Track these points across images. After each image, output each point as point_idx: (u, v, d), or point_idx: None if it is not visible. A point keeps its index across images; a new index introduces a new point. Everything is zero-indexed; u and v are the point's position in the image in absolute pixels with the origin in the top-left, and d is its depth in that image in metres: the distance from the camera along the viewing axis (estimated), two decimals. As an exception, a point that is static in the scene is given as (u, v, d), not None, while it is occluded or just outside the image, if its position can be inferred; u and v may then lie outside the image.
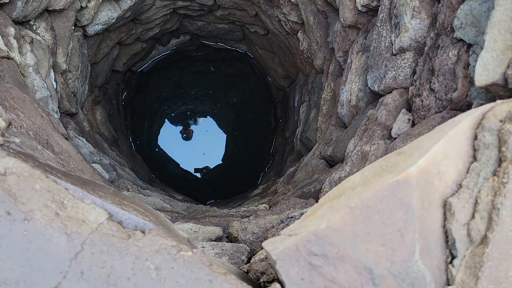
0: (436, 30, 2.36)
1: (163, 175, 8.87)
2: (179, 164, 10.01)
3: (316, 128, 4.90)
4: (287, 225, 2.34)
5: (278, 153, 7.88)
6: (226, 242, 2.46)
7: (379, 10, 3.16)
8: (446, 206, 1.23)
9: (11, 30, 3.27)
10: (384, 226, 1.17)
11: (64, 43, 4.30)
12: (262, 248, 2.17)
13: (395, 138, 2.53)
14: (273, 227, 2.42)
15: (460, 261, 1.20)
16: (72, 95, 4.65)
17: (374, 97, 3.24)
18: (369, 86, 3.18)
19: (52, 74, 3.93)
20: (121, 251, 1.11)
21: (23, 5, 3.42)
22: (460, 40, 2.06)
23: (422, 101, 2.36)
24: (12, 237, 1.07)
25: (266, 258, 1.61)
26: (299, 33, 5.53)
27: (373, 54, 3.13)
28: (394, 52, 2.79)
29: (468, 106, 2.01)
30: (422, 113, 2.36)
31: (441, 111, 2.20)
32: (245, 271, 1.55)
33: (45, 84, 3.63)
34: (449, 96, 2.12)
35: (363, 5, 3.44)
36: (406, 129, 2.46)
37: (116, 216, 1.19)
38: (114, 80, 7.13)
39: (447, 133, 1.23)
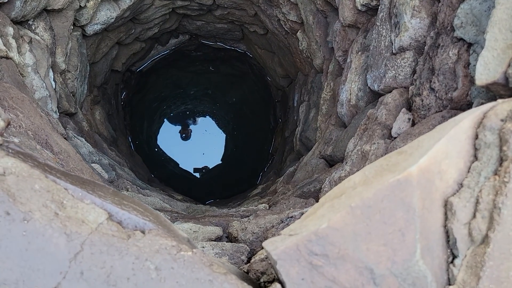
0: (436, 29, 2.35)
1: (162, 175, 8.86)
2: (178, 164, 10.00)
3: (316, 128, 4.89)
4: (287, 224, 2.34)
5: (278, 153, 7.87)
6: (226, 242, 2.46)
7: (378, 9, 3.15)
8: (447, 206, 1.22)
9: (10, 30, 3.26)
10: (385, 226, 1.16)
11: (63, 43, 4.29)
12: (262, 248, 2.17)
13: (395, 138, 2.52)
14: (273, 226, 2.41)
15: (461, 261, 1.20)
16: (71, 95, 4.64)
17: (374, 96, 3.24)
18: (369, 85, 3.17)
19: (51, 74, 3.92)
20: (121, 251, 1.11)
21: (21, 4, 3.41)
22: (461, 39, 2.06)
23: (422, 101, 2.35)
24: (11, 237, 1.07)
25: (266, 258, 1.61)
26: (298, 32, 5.53)
27: (373, 54, 3.13)
28: (394, 51, 2.79)
29: (469, 106, 2.01)
30: (422, 112, 2.35)
31: (441, 111, 2.20)
32: (245, 271, 1.54)
33: (44, 84, 3.62)
34: (449, 95, 2.12)
35: (363, 4, 3.43)
36: (406, 129, 2.46)
37: (115, 216, 1.19)
38: (113, 80, 7.12)
39: (448, 132, 1.23)
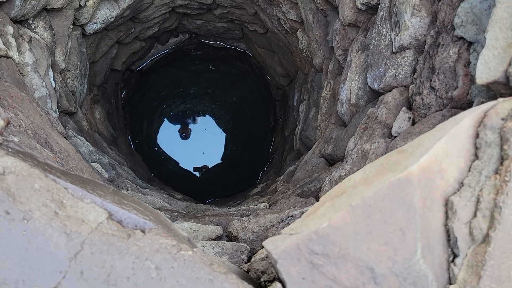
0: (436, 28, 2.35)
1: (162, 174, 8.86)
2: (178, 163, 10.00)
3: (316, 127, 4.89)
4: (288, 224, 2.34)
5: (278, 152, 7.87)
6: (226, 241, 2.46)
7: (379, 8, 3.15)
8: (448, 205, 1.22)
9: (10, 29, 3.25)
10: (385, 225, 1.16)
11: (62, 42, 4.28)
12: (262, 247, 2.17)
13: (395, 137, 2.52)
14: (273, 226, 2.41)
15: (462, 260, 1.19)
16: (71, 94, 4.63)
17: (374, 95, 3.23)
18: (369, 84, 3.17)
19: (50, 73, 3.91)
20: (121, 251, 1.10)
21: (21, 3, 3.40)
22: (461, 38, 2.06)
23: (422, 100, 2.35)
24: (11, 236, 1.07)
25: (266, 257, 1.60)
26: (298, 31, 5.52)
27: (373, 53, 3.13)
28: (394, 50, 2.78)
29: (469, 105, 2.01)
30: (422, 111, 2.35)
31: (441, 110, 2.19)
32: (246, 270, 1.54)
33: (43, 83, 3.62)
34: (449, 94, 2.12)
35: (363, 3, 3.43)
36: (406, 128, 2.45)
37: (116, 215, 1.18)
38: (113, 79, 7.12)
39: (448, 131, 1.23)
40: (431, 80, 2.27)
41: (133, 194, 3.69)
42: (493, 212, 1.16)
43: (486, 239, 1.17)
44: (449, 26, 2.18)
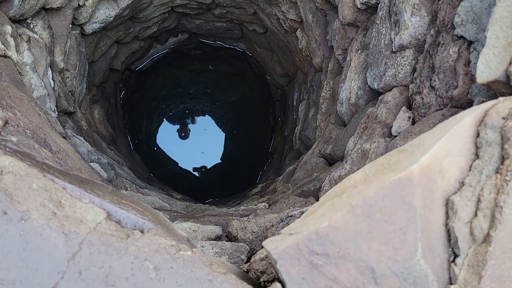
0: (436, 27, 2.34)
1: (161, 174, 8.86)
2: (177, 163, 9.99)
3: (315, 127, 4.88)
4: (287, 224, 2.33)
5: (277, 152, 7.86)
6: (226, 241, 2.45)
7: (378, 7, 3.14)
8: (448, 204, 1.21)
9: (8, 28, 3.24)
10: (386, 225, 1.16)
11: (61, 41, 4.27)
12: (262, 247, 2.16)
13: (395, 136, 2.51)
14: (273, 226, 2.40)
15: (463, 260, 1.19)
16: (70, 93, 4.62)
17: (374, 95, 3.23)
18: (368, 84, 3.16)
19: (49, 72, 3.90)
20: (119, 251, 1.10)
21: (20, 3, 3.39)
22: (461, 37, 2.05)
23: (422, 99, 2.34)
24: (9, 237, 1.06)
25: (266, 257, 1.60)
26: (297, 31, 5.51)
27: (373, 52, 3.12)
28: (394, 49, 2.78)
29: (469, 104, 2.00)
30: (422, 110, 2.35)
31: (441, 109, 2.19)
32: (245, 270, 1.53)
33: (42, 83, 3.61)
34: (449, 93, 2.11)
35: (362, 3, 3.42)
36: (406, 127, 2.45)
37: (114, 215, 1.18)
38: (112, 79, 7.11)
39: (449, 131, 1.22)
40: (431, 80, 2.27)
41: (132, 194, 3.68)
42: (494, 211, 1.16)
43: (487, 238, 1.16)
44: (449, 25, 2.17)
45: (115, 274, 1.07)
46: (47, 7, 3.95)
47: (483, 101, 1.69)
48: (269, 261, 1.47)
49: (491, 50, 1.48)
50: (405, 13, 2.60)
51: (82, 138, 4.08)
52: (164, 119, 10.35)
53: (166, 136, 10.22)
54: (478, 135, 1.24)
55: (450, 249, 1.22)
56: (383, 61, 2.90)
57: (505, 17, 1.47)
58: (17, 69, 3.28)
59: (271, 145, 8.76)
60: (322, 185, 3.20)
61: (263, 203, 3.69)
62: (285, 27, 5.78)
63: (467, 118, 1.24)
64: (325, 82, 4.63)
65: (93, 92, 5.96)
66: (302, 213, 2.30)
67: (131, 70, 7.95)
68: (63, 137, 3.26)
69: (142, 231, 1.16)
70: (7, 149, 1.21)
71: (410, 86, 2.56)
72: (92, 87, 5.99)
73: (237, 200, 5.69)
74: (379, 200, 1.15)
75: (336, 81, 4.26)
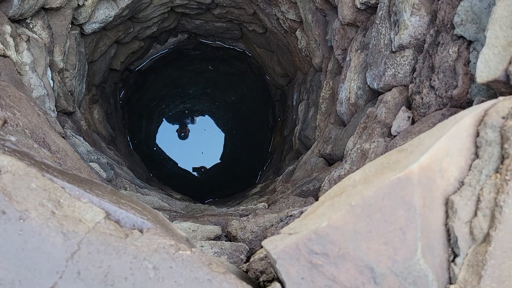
0: (436, 27, 2.34)
1: (161, 174, 8.85)
2: (177, 163, 9.98)
3: (315, 127, 4.88)
4: (287, 223, 2.33)
5: (277, 152, 7.86)
6: (225, 241, 2.45)
7: (378, 7, 3.14)
8: (448, 204, 1.21)
9: (7, 28, 3.24)
10: (385, 224, 1.15)
11: (61, 41, 4.27)
12: (261, 247, 2.16)
13: (395, 136, 2.51)
14: (272, 225, 2.40)
15: (463, 260, 1.19)
16: (69, 93, 4.62)
17: (373, 95, 3.23)
18: (368, 84, 3.16)
19: (49, 72, 3.90)
20: (118, 251, 1.09)
21: (19, 3, 3.39)
22: (461, 37, 2.05)
23: (422, 99, 2.34)
24: (7, 236, 1.05)
25: (265, 257, 1.60)
26: (297, 31, 5.51)
27: (372, 52, 3.12)
28: (393, 49, 2.78)
29: (469, 103, 2.00)
30: (422, 110, 2.34)
31: (441, 109, 2.19)
32: (245, 270, 1.53)
33: (41, 83, 3.61)
34: (449, 93, 2.11)
35: (362, 3, 3.42)
36: (406, 127, 2.45)
37: (113, 215, 1.17)
38: (111, 79, 7.10)
39: (449, 130, 1.22)
40: (430, 79, 2.27)
41: (132, 194, 3.68)
42: (493, 211, 1.16)
43: (486, 238, 1.16)
44: (448, 25, 2.17)
45: (114, 273, 1.07)
46: (47, 7, 3.95)
47: (482, 101, 1.69)
48: (269, 260, 1.46)
49: (490, 50, 1.48)
50: (404, 13, 2.59)
51: (82, 138, 4.08)
52: (164, 119, 10.35)
53: (166, 136, 10.21)
54: (477, 134, 1.23)
55: (449, 249, 1.22)
56: (383, 61, 2.89)
57: (504, 17, 1.47)
58: (16, 69, 3.28)
59: (270, 145, 8.76)
60: (322, 185, 3.20)
61: (263, 203, 3.69)
62: (284, 27, 5.78)
63: (467, 118, 1.24)
64: (325, 82, 4.63)
65: (92, 92, 5.96)
66: (302, 213, 2.30)
67: (131, 70, 7.95)
68: (63, 137, 3.26)
69: (141, 231, 1.16)
70: (6, 149, 1.21)
71: (410, 86, 2.56)
72: (92, 87, 5.99)
73: (237, 200, 5.68)
74: (379, 200, 1.15)
75: (335, 81, 4.26)
